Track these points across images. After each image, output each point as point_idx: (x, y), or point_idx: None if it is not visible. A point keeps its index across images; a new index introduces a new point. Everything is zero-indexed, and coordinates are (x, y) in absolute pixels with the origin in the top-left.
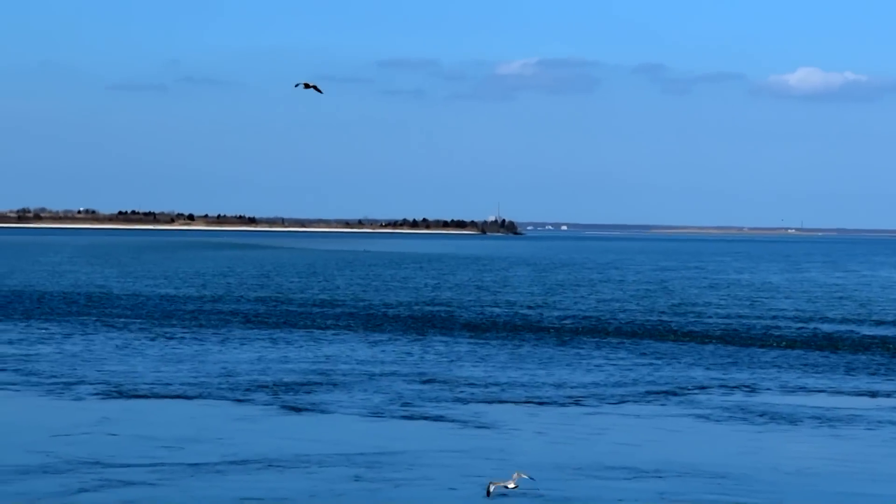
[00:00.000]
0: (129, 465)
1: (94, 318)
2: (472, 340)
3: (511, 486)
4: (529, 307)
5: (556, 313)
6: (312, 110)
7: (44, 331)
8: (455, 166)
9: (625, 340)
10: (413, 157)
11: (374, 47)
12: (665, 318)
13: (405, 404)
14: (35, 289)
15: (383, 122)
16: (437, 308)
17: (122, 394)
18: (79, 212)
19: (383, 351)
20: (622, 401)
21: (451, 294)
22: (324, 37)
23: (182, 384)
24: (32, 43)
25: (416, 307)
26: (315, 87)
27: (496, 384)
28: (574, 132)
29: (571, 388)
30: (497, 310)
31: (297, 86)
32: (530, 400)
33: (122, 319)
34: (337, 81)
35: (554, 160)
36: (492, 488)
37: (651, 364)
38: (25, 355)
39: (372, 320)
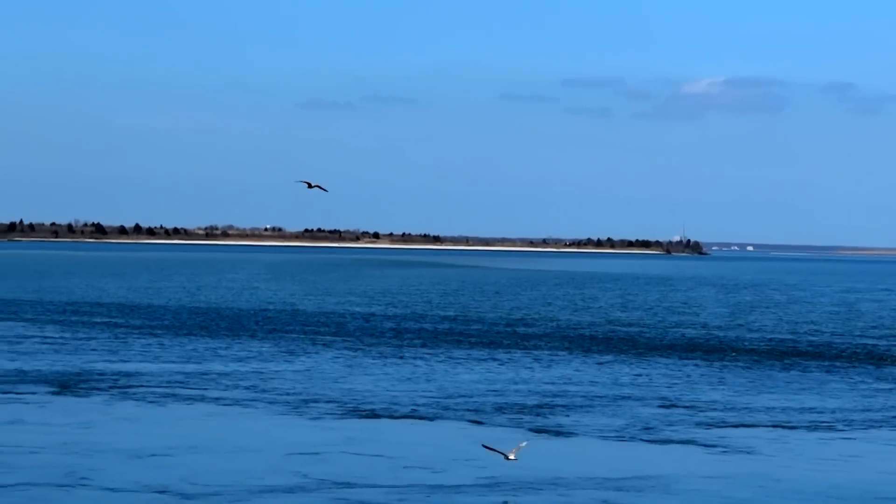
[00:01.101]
0: (375, 486)
1: (300, 336)
2: (686, 362)
3: (511, 457)
4: (722, 328)
5: (753, 335)
6: (497, 129)
7: (259, 348)
8: (640, 186)
9: (845, 364)
10: (597, 177)
11: (560, 66)
12: (866, 340)
13: (648, 428)
14: (226, 306)
15: (567, 140)
16: (631, 329)
17: (360, 413)
18: (265, 229)
19: (610, 372)
20: (871, 426)
21: (640, 314)
22: (510, 55)
23: (417, 404)
24: (222, 61)
25: (609, 327)
26: (319, 187)
27: (734, 408)
28: (761, 152)
29: (815, 412)
30: (692, 331)
31: (300, 182)
32: (777, 424)
33: (329, 337)
34: (522, 100)
35: (740, 180)
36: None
37: (889, 389)
38: (257, 372)
39: (578, 341)
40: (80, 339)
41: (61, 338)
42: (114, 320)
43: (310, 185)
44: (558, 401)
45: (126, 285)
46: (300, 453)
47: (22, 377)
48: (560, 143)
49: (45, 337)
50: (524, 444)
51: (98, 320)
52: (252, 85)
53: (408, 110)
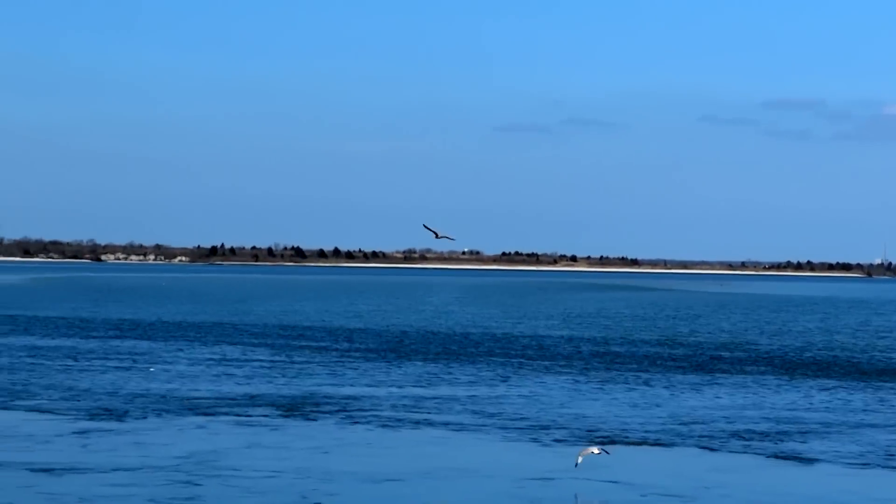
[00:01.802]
0: None
1: (510, 360)
2: None
3: (596, 451)
4: None
5: None
6: (696, 151)
7: (474, 371)
8: (840, 208)
9: None
10: (797, 199)
11: (760, 88)
12: None
13: (890, 455)
14: (427, 329)
15: (767, 163)
16: (843, 353)
17: (591, 438)
18: (463, 253)
19: (838, 398)
20: None
21: (844, 338)
22: (709, 77)
23: (648, 430)
24: (418, 85)
25: (818, 352)
26: (447, 237)
27: None
28: None
29: None
30: None
31: (427, 229)
32: None
33: (539, 362)
34: (722, 123)
35: None
36: (580, 460)
37: None
38: (479, 397)
39: (790, 365)
40: (296, 362)
41: (277, 361)
42: (321, 343)
43: (437, 235)
44: (790, 427)
45: (326, 308)
46: (533, 479)
47: (252, 400)
48: (759, 166)
49: (261, 360)
50: (595, 449)
51: (305, 343)
52: (448, 108)
53: (606, 133)
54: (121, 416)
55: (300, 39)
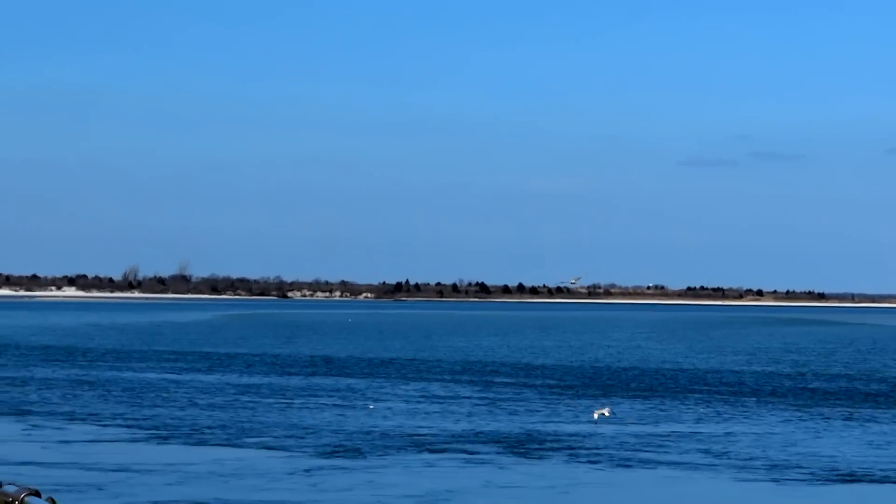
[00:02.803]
0: None
1: (711, 395)
2: None
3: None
4: None
5: None
6: (883, 184)
7: (689, 408)
8: None
9: None
10: None
11: None
12: None
13: None
14: (617, 365)
15: None
16: None
17: (834, 478)
18: (648, 287)
19: None
20: None
21: None
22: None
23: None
24: (601, 120)
25: None
26: (572, 282)
27: None
28: None
29: None
30: None
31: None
32: None
33: (742, 397)
34: None
35: None
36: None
37: None
38: (711, 435)
39: None
40: (504, 398)
41: (485, 397)
42: (518, 379)
43: (574, 282)
44: None
45: (513, 343)
46: None
47: (476, 437)
48: None
49: (469, 397)
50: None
51: (503, 379)
52: (631, 143)
53: (791, 166)
54: (349, 453)
55: (481, 76)
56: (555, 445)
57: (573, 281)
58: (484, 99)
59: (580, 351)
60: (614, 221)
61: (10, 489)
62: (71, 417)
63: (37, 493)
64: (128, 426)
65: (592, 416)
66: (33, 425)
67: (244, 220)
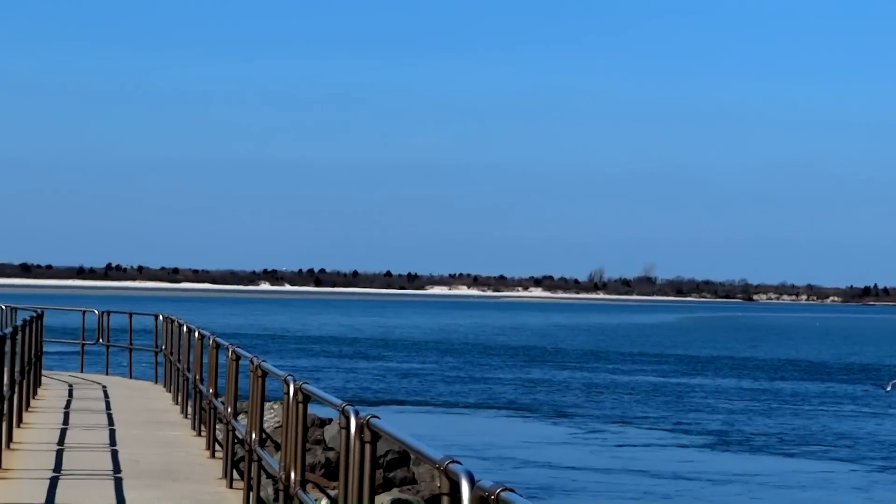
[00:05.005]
0: None
1: None
2: None
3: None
4: None
5: None
6: None
7: None
8: None
9: None
10: None
11: None
12: None
13: None
14: None
15: None
16: None
17: None
18: None
19: None
20: None
21: None
22: None
23: None
24: None
25: None
26: None
27: None
28: None
29: None
30: None
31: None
32: None
33: None
34: None
35: None
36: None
37: None
38: None
39: None
40: None
41: None
42: None
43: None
44: None
45: None
46: None
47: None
48: None
49: None
50: None
51: None
52: None
53: None
54: None
55: None
56: None
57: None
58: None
59: None
60: None
61: (486, 484)
62: (605, 420)
63: (511, 490)
64: (669, 430)
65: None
66: (577, 428)
67: (709, 224)
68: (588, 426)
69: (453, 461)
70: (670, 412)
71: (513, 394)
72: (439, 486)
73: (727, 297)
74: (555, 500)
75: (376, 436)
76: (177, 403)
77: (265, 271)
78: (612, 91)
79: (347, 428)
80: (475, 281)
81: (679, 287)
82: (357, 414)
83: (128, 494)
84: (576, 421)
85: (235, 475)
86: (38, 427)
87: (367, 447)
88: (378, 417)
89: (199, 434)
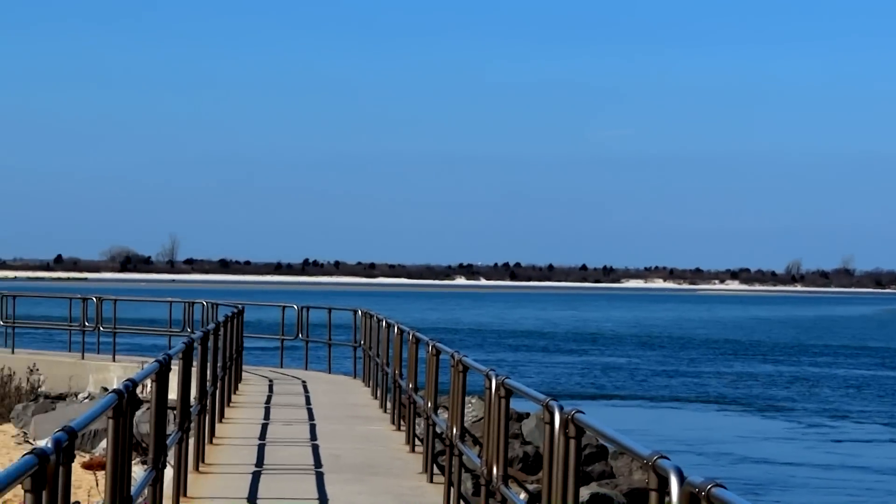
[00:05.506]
0: None
1: None
2: None
3: None
4: None
5: None
6: None
7: None
8: None
9: None
10: None
11: None
12: None
13: None
14: None
15: None
16: None
17: None
18: None
19: None
20: None
21: None
22: None
23: None
24: None
25: None
26: None
27: None
28: None
29: None
30: None
31: None
32: None
33: None
34: None
35: None
36: None
37: None
38: None
39: None
40: None
41: None
42: None
43: None
44: None
45: None
46: None
47: None
48: None
49: None
50: None
51: None
52: None
53: None
54: None
55: None
56: None
57: None
58: None
59: None
60: None
61: (696, 480)
62: (820, 414)
63: (723, 486)
64: (886, 424)
65: None
66: (790, 422)
67: None
68: (802, 420)
69: (662, 456)
70: (886, 406)
71: (718, 387)
72: (647, 482)
73: None
74: (769, 497)
75: (581, 431)
76: (376, 398)
77: (461, 266)
78: (809, 80)
79: (551, 423)
80: (671, 274)
81: (878, 279)
82: (561, 409)
83: (329, 489)
84: (788, 415)
85: (435, 470)
86: (239, 422)
87: (572, 442)
88: (582, 412)
89: (399, 429)
